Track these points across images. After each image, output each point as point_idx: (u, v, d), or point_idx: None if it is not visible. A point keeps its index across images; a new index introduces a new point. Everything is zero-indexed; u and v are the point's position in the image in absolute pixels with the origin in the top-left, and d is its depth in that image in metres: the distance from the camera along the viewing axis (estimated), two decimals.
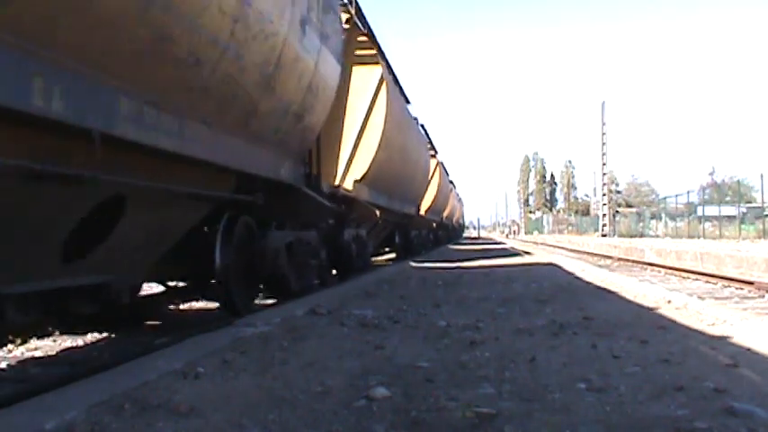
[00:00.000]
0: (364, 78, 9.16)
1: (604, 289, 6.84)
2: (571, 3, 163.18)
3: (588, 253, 22.61)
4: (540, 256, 16.17)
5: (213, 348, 3.49)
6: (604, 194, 40.23)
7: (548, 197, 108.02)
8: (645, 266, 14.98)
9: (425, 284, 7.70)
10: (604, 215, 39.88)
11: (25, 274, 3.22)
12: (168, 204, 4.13)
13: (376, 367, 3.05)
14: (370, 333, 4.06)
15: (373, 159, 9.32)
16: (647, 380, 2.72)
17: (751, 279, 9.70)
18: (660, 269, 13.75)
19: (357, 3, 8.36)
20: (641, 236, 35.41)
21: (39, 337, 5.12)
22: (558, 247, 29.58)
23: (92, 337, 5.31)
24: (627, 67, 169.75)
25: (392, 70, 11.31)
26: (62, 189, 3.05)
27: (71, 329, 5.15)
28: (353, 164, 9.17)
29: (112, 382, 2.71)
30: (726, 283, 10.00)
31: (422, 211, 18.55)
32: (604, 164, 39.29)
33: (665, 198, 39.76)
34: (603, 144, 38.87)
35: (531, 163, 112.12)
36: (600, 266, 13.61)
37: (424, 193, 18.40)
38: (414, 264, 12.71)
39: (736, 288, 9.40)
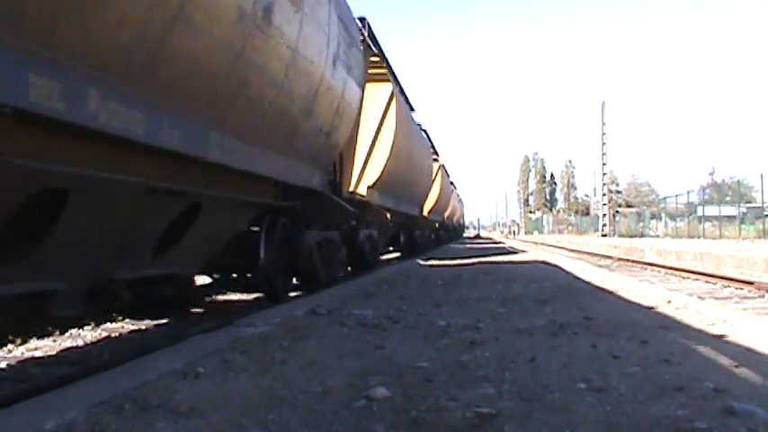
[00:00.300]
0: (376, 94, 10.05)
1: (604, 289, 6.84)
2: (571, 2, 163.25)
3: (588, 253, 22.61)
4: (535, 253, 16.17)
5: (213, 348, 3.49)
6: (604, 194, 40.24)
7: (548, 197, 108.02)
8: (645, 266, 14.98)
9: (425, 284, 7.69)
10: (604, 215, 39.90)
11: (132, 264, 4.16)
12: (230, 210, 5.11)
13: (376, 367, 3.05)
14: (370, 333, 4.06)
15: (384, 167, 10.40)
16: (647, 380, 2.72)
17: (751, 279, 9.70)
18: (660, 269, 13.75)
19: (369, 26, 9.16)
20: (641, 236, 35.41)
21: (39, 337, 5.12)
22: (558, 247, 29.59)
23: (92, 337, 5.31)
24: (627, 67, 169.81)
25: (400, 84, 12.32)
26: (167, 200, 4.04)
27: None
28: (366, 171, 10.11)
29: (112, 382, 2.71)
30: (726, 283, 10.00)
31: (425, 212, 19.62)
32: (604, 164, 39.31)
33: (665, 198, 39.79)
34: (603, 144, 38.89)
35: (531, 163, 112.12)
36: (600, 266, 13.61)
37: (427, 195, 19.50)
38: (420, 261, 13.75)
39: (736, 288, 9.41)
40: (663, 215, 37.57)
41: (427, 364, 3.09)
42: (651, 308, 5.16)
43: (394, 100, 10.81)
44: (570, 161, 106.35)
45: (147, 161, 3.65)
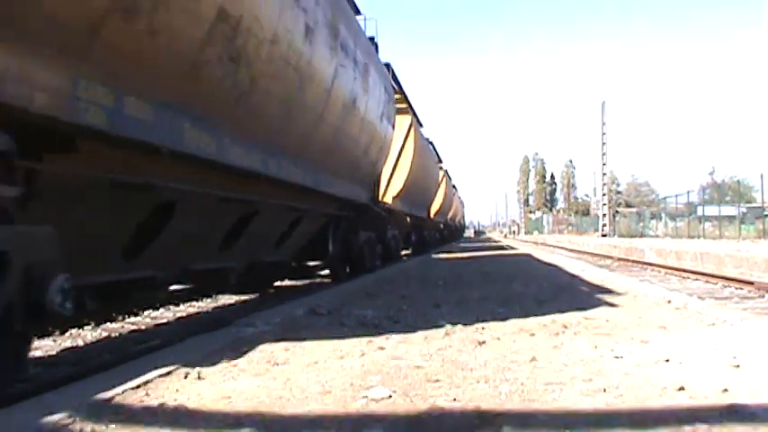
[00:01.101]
0: (398, 124, 12.41)
1: (604, 289, 6.83)
2: (571, 3, 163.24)
3: (588, 253, 22.61)
4: (535, 253, 16.19)
5: (214, 348, 3.48)
6: (604, 194, 40.22)
7: (548, 197, 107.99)
8: (645, 266, 14.98)
9: (426, 284, 7.69)
10: (604, 215, 39.88)
11: (271, 253, 6.93)
12: (315, 218, 7.79)
13: (376, 367, 3.05)
14: (370, 333, 4.05)
15: (405, 182, 14.07)
16: (647, 380, 2.72)
17: (751, 279, 9.70)
18: (660, 269, 13.75)
19: (392, 70, 11.90)
20: (641, 236, 35.41)
21: (39, 337, 5.12)
22: (558, 247, 29.58)
23: (92, 336, 5.31)
24: (627, 68, 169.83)
25: (414, 112, 15.36)
26: (296, 216, 6.84)
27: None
28: (391, 185, 13.29)
29: (112, 382, 2.70)
30: (726, 283, 10.01)
31: (431, 215, 22.21)
32: (604, 164, 39.29)
33: (665, 198, 39.77)
34: (603, 144, 38.87)
35: (531, 163, 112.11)
36: (600, 266, 13.61)
37: (434, 199, 22.48)
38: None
39: (736, 288, 9.41)
40: (663, 215, 37.57)
41: (427, 364, 3.09)
42: (651, 308, 5.15)
43: (412, 129, 14.49)
44: (570, 161, 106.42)
45: (288, 192, 6.18)
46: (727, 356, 3.13)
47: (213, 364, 3.09)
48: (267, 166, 5.23)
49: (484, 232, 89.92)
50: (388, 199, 12.67)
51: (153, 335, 5.38)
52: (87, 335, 5.36)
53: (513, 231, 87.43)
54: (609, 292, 6.53)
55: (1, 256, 2.57)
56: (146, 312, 6.58)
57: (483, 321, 4.45)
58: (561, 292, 6.49)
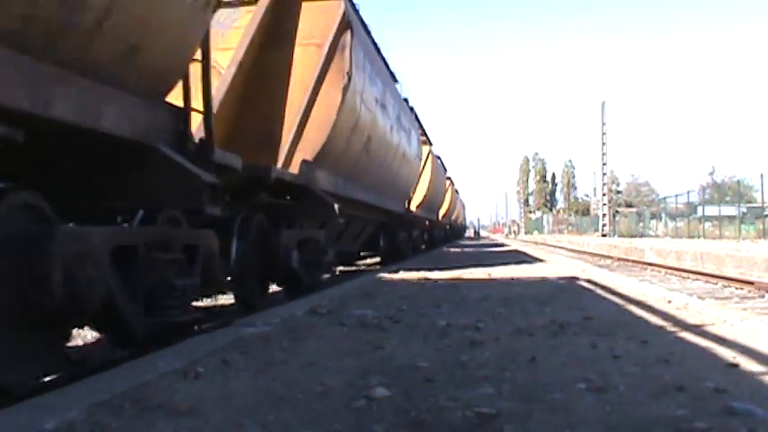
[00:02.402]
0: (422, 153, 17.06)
1: (605, 289, 6.84)
2: (571, 3, 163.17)
3: (588, 253, 22.62)
4: (535, 253, 16.19)
5: (213, 348, 3.49)
6: (604, 194, 40.25)
7: (548, 197, 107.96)
8: (645, 266, 14.99)
9: (426, 285, 7.70)
10: (604, 215, 39.92)
11: (344, 243, 10.50)
12: (370, 223, 11.86)
13: (376, 367, 3.05)
14: (370, 333, 4.06)
15: (424, 195, 19.26)
16: (647, 380, 2.72)
17: (751, 279, 9.71)
18: (660, 269, 13.75)
19: (415, 112, 15.78)
20: (641, 236, 35.41)
21: None
22: (558, 247, 29.57)
23: (92, 337, 5.31)
24: (627, 68, 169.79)
25: (431, 143, 20.36)
26: (365, 223, 11.47)
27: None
28: (414, 197, 17.58)
29: (113, 382, 2.71)
30: (726, 283, 10.01)
31: (440, 218, 25.67)
32: (604, 164, 39.31)
33: (665, 198, 39.76)
34: (603, 144, 38.89)
35: (532, 163, 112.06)
36: (600, 266, 13.61)
37: (442, 204, 25.86)
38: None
39: (737, 288, 9.41)
40: (663, 215, 37.57)
41: (427, 364, 3.09)
42: (651, 308, 5.16)
43: (430, 156, 19.63)
44: (570, 161, 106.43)
45: (366, 209, 10.59)
46: (728, 356, 3.13)
47: (213, 364, 3.09)
48: (370, 197, 10.41)
49: (479, 234, 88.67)
50: (413, 208, 17.17)
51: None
52: (87, 335, 5.36)
53: (514, 231, 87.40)
54: (609, 292, 6.53)
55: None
56: None
57: (483, 321, 4.46)
58: (561, 293, 6.50)
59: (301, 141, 7.00)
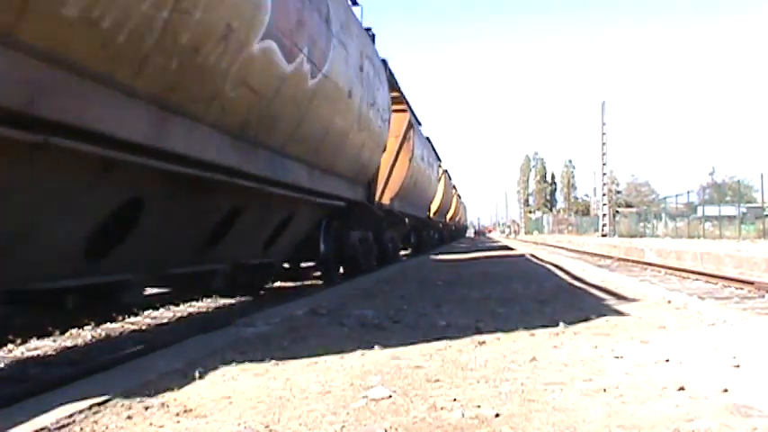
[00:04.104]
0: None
1: (604, 289, 6.84)
2: (571, 3, 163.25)
3: (588, 253, 22.61)
4: (536, 253, 16.20)
5: (214, 348, 3.49)
6: (604, 194, 40.26)
7: (548, 197, 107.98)
8: (645, 266, 14.98)
9: (426, 284, 7.69)
10: (604, 215, 39.92)
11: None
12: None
13: (376, 367, 3.05)
14: (371, 333, 4.06)
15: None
16: (648, 380, 2.71)
17: (751, 279, 9.70)
18: (660, 269, 13.75)
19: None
20: (641, 236, 35.39)
21: (39, 337, 5.12)
22: (559, 247, 29.57)
23: (92, 336, 5.30)
24: (627, 68, 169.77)
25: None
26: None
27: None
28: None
29: (113, 382, 2.70)
30: (726, 283, 10.00)
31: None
32: (604, 164, 39.32)
33: (665, 198, 39.71)
34: (603, 144, 38.90)
35: (532, 163, 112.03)
36: (600, 266, 13.61)
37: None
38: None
39: (737, 288, 9.40)
40: (663, 215, 37.53)
41: (427, 364, 3.09)
42: (652, 308, 5.15)
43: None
44: (570, 161, 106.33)
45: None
46: (728, 356, 3.13)
47: (213, 364, 3.09)
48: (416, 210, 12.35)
49: (484, 233, 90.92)
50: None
51: (153, 335, 5.38)
52: (87, 335, 5.36)
53: (514, 231, 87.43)
54: (609, 292, 6.53)
55: None
56: (146, 312, 6.59)
57: (483, 321, 4.45)
58: (561, 293, 6.49)
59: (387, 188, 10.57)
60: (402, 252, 17.42)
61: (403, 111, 13.50)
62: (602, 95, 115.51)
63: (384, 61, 10.25)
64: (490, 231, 77.12)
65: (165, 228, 4.40)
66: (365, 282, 8.20)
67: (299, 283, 9.38)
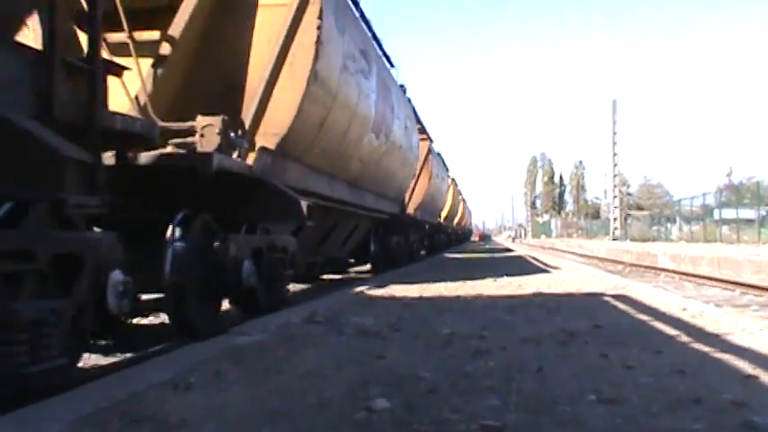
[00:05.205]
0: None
1: (616, 296, 6.83)
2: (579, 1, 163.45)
3: (599, 258, 22.62)
4: (543, 258, 16.18)
5: (205, 358, 3.48)
6: (615, 196, 40.28)
7: (556, 200, 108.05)
8: (658, 272, 14.98)
9: (426, 292, 7.69)
10: (615, 218, 39.90)
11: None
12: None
13: (376, 378, 3.05)
14: (370, 342, 4.06)
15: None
16: (661, 391, 2.71)
17: None
18: (674, 275, 13.74)
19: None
20: (654, 240, 35.38)
21: None
22: (568, 252, 29.56)
23: None
24: (639, 65, 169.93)
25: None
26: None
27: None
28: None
29: (99, 394, 2.69)
30: (744, 289, 9.99)
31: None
32: (615, 164, 39.35)
33: (679, 201, 39.73)
34: (614, 144, 38.93)
35: (539, 164, 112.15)
36: (611, 272, 13.60)
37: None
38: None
39: (756, 295, 9.39)
40: (677, 218, 37.53)
41: (430, 375, 3.08)
42: (665, 316, 5.14)
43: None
44: (580, 162, 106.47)
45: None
46: (746, 367, 3.12)
47: (204, 374, 3.09)
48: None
49: (489, 236, 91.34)
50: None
51: (145, 342, 5.36)
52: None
53: (520, 235, 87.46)
54: (620, 299, 6.52)
55: None
56: (135, 320, 6.57)
57: (488, 329, 4.45)
58: (571, 301, 6.49)
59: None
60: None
61: (424, 139, 17.39)
62: (613, 94, 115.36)
63: (409, 100, 13.57)
64: (480, 237, 76.92)
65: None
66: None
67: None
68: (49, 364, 2.83)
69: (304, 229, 7.26)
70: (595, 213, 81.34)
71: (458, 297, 6.97)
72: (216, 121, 5.07)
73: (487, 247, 40.56)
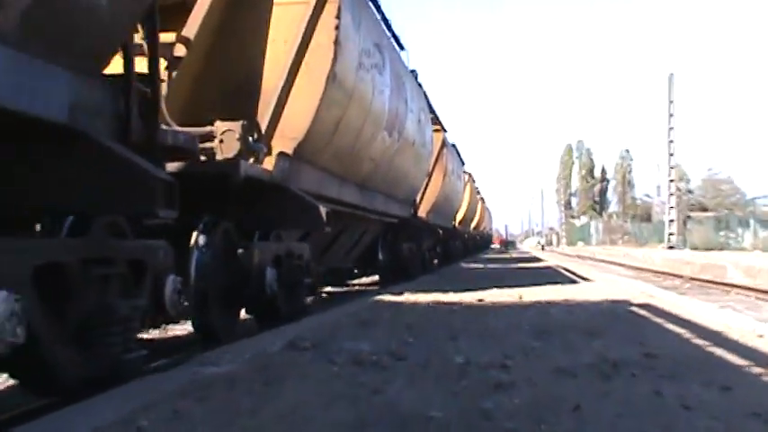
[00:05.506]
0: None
1: (672, 317, 6.86)
2: None
3: (651, 270, 22.64)
4: (580, 269, 16.17)
5: (162, 394, 3.49)
6: (671, 194, 40.15)
7: (596, 198, 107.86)
8: (727, 289, 15.01)
9: (438, 309, 7.72)
10: (671, 221, 39.82)
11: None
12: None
13: (374, 418, 3.07)
14: (367, 373, 4.09)
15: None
16: None
17: None
18: (748, 292, 13.75)
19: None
20: (722, 249, 35.40)
21: None
22: (611, 263, 29.59)
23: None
24: (700, 34, 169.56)
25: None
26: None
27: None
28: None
29: None
30: None
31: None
32: (671, 154, 39.20)
33: (753, 199, 39.77)
34: (670, 129, 38.79)
35: (575, 154, 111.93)
36: (665, 288, 13.62)
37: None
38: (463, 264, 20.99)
39: None
40: (751, 221, 37.54)
41: (440, 414, 3.11)
42: (735, 343, 5.17)
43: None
44: (627, 151, 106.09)
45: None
46: None
47: (159, 414, 3.10)
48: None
49: (513, 243, 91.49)
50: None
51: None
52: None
53: (551, 242, 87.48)
54: (678, 321, 6.55)
55: None
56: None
57: (512, 358, 4.48)
58: (615, 322, 6.51)
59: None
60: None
61: (437, 130, 18.01)
62: (668, 68, 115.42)
63: (420, 85, 14.41)
64: (502, 244, 78.10)
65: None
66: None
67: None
68: (136, 354, 4.31)
69: (309, 237, 8.37)
70: (646, 215, 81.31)
71: (475, 316, 6.99)
72: (236, 127, 6.05)
73: (511, 255, 40.57)
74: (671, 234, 39.13)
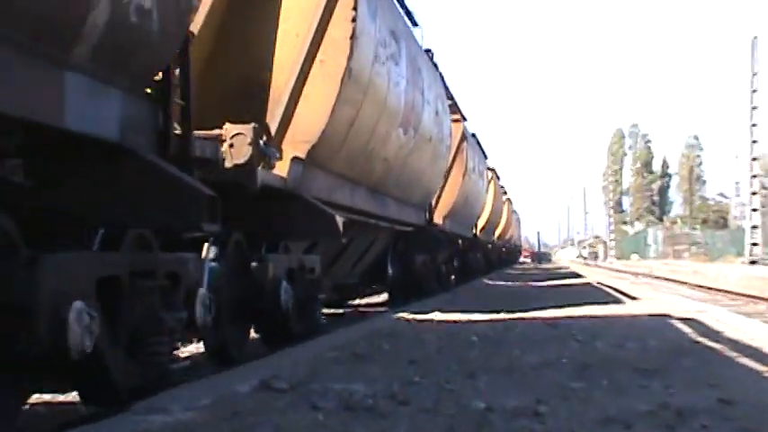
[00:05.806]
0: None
1: (754, 352, 6.83)
2: None
3: (726, 292, 22.62)
4: (634, 290, 16.16)
5: None
6: (754, 193, 39.86)
7: (655, 198, 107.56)
8: None
9: (452, 339, 7.72)
10: (754, 228, 39.58)
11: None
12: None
13: None
14: (360, 421, 4.08)
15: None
16: None
17: None
18: None
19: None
20: None
21: None
22: (675, 281, 29.62)
23: None
24: None
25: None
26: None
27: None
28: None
29: None
30: None
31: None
32: (754, 141, 38.68)
33: None
34: (753, 108, 38.09)
35: (628, 143, 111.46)
36: (746, 314, 13.62)
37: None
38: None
39: None
40: None
41: None
42: None
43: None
44: (696, 138, 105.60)
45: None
46: None
47: None
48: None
49: (548, 255, 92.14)
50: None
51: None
52: None
53: (597, 255, 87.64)
54: (761, 358, 6.52)
55: None
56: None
57: (546, 403, 4.46)
58: (679, 357, 6.50)
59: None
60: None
61: (456, 120, 18.95)
62: (750, 31, 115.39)
63: (436, 65, 15.56)
64: (533, 257, 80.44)
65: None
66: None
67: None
68: (182, 365, 5.91)
69: (315, 248, 9.19)
70: (720, 220, 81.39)
71: (498, 347, 6.98)
72: (247, 130, 6.64)
73: (544, 270, 40.62)
74: (754, 244, 38.91)
